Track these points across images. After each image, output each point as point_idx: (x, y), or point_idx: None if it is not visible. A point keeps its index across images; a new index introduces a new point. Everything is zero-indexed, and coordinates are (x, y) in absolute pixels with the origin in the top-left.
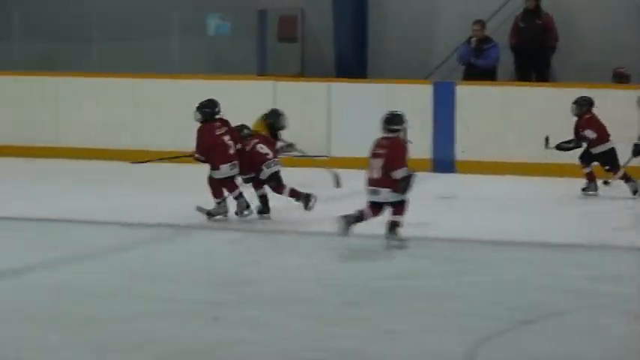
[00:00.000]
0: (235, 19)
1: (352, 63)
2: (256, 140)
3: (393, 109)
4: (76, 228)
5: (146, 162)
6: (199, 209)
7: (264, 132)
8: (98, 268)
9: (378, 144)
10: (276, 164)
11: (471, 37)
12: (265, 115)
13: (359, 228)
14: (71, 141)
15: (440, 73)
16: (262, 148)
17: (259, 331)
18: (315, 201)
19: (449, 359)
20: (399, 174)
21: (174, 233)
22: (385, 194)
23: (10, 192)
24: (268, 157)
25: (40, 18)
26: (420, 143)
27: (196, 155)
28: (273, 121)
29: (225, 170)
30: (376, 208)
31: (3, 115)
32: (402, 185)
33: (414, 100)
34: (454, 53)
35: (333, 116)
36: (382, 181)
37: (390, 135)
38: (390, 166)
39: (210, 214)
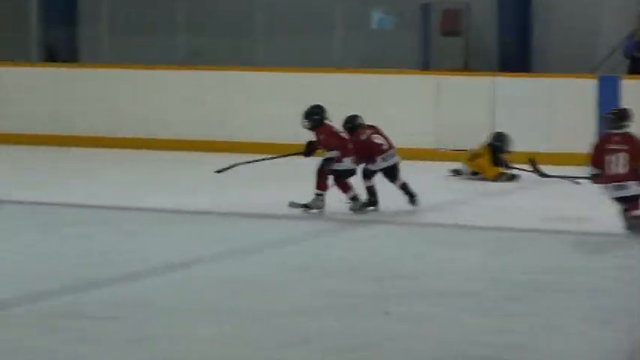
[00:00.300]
0: (398, 13)
1: (516, 57)
2: (371, 130)
3: (557, 103)
4: (244, 221)
5: (230, 167)
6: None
7: (487, 155)
8: (263, 261)
9: (611, 140)
10: (393, 156)
11: (635, 31)
12: (491, 137)
13: (519, 221)
14: (240, 135)
15: (605, 67)
16: (378, 139)
17: (423, 326)
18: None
19: (613, 355)
20: None
21: (339, 227)
22: (635, 188)
23: (184, 185)
24: (384, 147)
25: (205, 13)
26: (584, 137)
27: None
28: (499, 144)
29: (347, 163)
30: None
31: (177, 110)
32: None
33: (578, 95)
34: (619, 47)
35: (497, 110)
36: (629, 175)
37: (621, 131)
38: (636, 160)
39: (307, 206)
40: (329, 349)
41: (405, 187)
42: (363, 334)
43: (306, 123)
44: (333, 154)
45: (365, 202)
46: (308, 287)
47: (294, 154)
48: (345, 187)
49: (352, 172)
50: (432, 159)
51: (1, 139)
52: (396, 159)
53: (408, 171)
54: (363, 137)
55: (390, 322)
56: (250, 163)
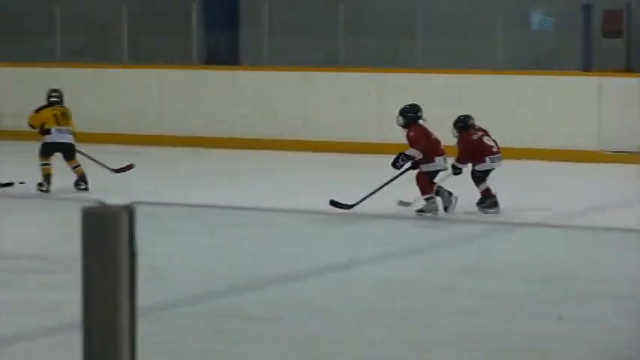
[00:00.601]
0: (559, 14)
1: None
2: (482, 132)
3: None
4: (404, 223)
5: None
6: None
7: None
8: (423, 263)
9: None
10: (500, 160)
11: None
12: None
13: None
14: (393, 137)
15: None
16: (489, 141)
17: (584, 328)
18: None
19: None
20: None
21: (500, 229)
22: None
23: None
24: (494, 149)
25: (369, 14)
26: None
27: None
28: None
29: (440, 162)
30: None
31: (335, 110)
32: None
33: None
34: None
35: None
36: None
37: None
38: None
39: (422, 211)
40: (491, 350)
41: (487, 192)
42: (525, 336)
43: (400, 120)
44: (412, 152)
45: (487, 204)
46: (470, 288)
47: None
48: (427, 187)
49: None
50: (595, 161)
51: (160, 140)
52: (501, 163)
53: (571, 173)
54: (475, 137)
55: (552, 324)
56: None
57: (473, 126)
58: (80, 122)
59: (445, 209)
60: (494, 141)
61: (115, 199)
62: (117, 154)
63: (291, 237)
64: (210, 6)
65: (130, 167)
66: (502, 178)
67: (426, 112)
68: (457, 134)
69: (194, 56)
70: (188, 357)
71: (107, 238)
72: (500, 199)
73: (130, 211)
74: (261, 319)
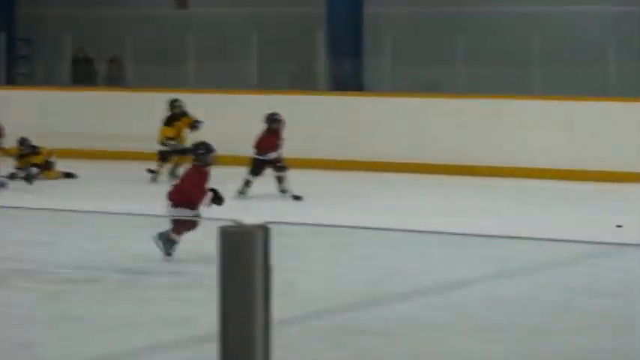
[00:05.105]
0: None
1: None
2: None
3: None
4: (522, 243)
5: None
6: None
7: None
8: (539, 282)
9: None
10: None
11: None
12: None
13: None
14: (514, 161)
15: None
16: None
17: None
18: None
19: None
20: None
21: (612, 249)
22: None
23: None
24: None
25: (483, 41)
26: None
27: None
28: None
29: None
30: None
31: (446, 136)
32: None
33: None
34: None
35: None
36: None
37: None
38: None
39: None
40: None
41: None
42: (611, 353)
43: None
44: None
45: None
46: (583, 308)
47: None
48: None
49: None
50: None
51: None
52: None
53: None
54: None
55: None
56: None
57: None
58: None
59: None
60: None
61: (246, 218)
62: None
63: (414, 256)
64: (335, 36)
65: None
66: (606, 200)
67: (540, 140)
68: None
69: (320, 83)
70: None
71: (244, 256)
72: (604, 220)
73: (265, 230)
74: (381, 335)
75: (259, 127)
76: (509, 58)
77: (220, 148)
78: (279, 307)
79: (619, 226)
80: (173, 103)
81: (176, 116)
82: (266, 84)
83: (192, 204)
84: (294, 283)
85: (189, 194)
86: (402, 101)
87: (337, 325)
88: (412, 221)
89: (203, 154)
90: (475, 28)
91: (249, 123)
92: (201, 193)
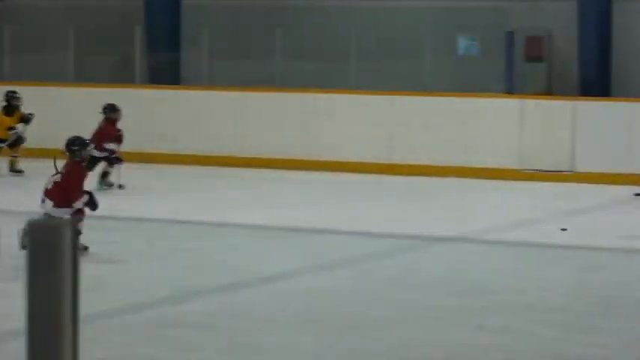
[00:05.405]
0: (484, 40)
1: (596, 82)
2: None
3: (636, 126)
4: (337, 237)
5: None
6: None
7: None
8: (354, 275)
9: None
10: None
11: None
12: None
13: (596, 240)
14: (333, 154)
15: None
16: None
17: (506, 339)
18: None
19: None
20: None
21: (426, 244)
22: None
23: (277, 202)
24: None
25: (301, 38)
26: None
27: None
28: None
29: None
30: None
31: (265, 130)
32: None
33: None
34: None
35: (577, 133)
36: None
37: None
38: None
39: None
40: (416, 358)
41: None
42: (446, 345)
43: None
44: None
45: None
46: (399, 300)
47: None
48: None
49: None
50: (516, 179)
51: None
52: None
53: (494, 189)
54: None
55: (474, 334)
56: None
57: None
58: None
59: None
60: None
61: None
62: None
63: (230, 249)
64: (153, 29)
65: None
66: (427, 194)
67: (355, 131)
68: None
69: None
70: None
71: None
72: (426, 214)
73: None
74: (200, 328)
75: (77, 120)
76: (326, 52)
77: (35, 142)
78: (97, 301)
79: (563, 230)
80: (12, 95)
81: (13, 108)
82: (83, 77)
83: (69, 202)
84: (105, 277)
85: (66, 191)
86: (219, 95)
87: (156, 318)
88: (231, 215)
89: (78, 150)
90: (293, 22)
91: (67, 116)
92: (80, 192)
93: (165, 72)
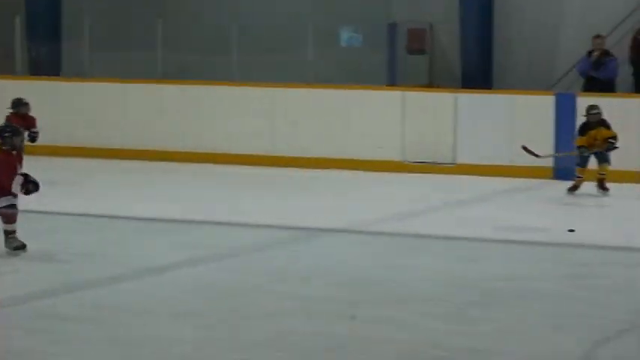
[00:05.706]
0: (367, 32)
1: (478, 74)
2: None
3: (517, 118)
4: (220, 228)
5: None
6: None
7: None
8: (237, 267)
9: None
10: None
11: (591, 51)
12: None
13: (476, 231)
14: (214, 147)
15: (562, 85)
16: None
17: (387, 329)
18: None
19: (569, 358)
20: None
21: (311, 235)
22: None
23: (159, 194)
24: None
25: (182, 29)
26: (542, 151)
27: None
28: None
29: None
30: None
31: (147, 122)
32: None
33: (536, 111)
34: (575, 66)
35: (459, 125)
36: None
37: None
38: None
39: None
40: (295, 351)
41: None
42: (328, 337)
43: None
44: None
45: None
46: (279, 291)
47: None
48: None
49: None
50: (398, 171)
51: None
52: None
53: (376, 182)
54: None
55: (356, 325)
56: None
57: None
58: None
59: None
60: None
61: None
62: None
63: (111, 242)
64: (33, 19)
65: None
66: (309, 186)
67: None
68: None
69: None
70: (7, 357)
71: None
72: (308, 206)
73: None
74: (80, 320)
75: None
76: (208, 43)
77: None
78: None
79: (571, 230)
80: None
81: None
82: None
83: (4, 190)
84: None
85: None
86: (99, 86)
87: (34, 311)
88: (114, 208)
89: (9, 136)
90: (175, 14)
91: None
92: (10, 177)
93: (46, 63)
